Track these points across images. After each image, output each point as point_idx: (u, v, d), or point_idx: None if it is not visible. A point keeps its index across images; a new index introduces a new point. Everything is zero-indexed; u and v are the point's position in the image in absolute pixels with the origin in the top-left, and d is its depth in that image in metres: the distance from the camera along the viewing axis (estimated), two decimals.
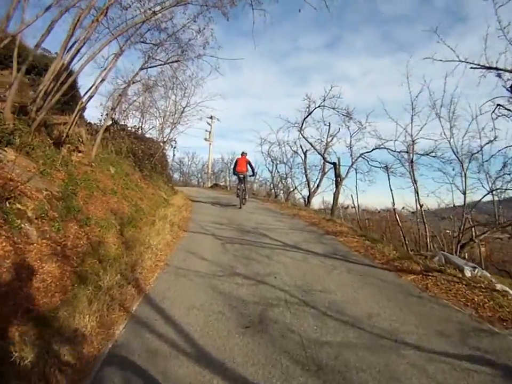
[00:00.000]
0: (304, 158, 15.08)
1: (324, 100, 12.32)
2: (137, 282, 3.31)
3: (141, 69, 7.41)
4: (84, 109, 7.06)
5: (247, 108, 61.02)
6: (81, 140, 6.04)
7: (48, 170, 4.25)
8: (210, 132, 28.38)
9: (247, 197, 9.69)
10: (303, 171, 15.61)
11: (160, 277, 3.57)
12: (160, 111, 15.82)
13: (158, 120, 15.91)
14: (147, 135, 14.19)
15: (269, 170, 20.46)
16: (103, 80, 6.41)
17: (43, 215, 3.24)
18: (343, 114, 12.22)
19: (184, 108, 17.21)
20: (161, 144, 15.68)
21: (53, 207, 3.59)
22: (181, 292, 3.15)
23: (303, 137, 13.36)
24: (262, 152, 19.91)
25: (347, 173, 12.57)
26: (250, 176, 9.65)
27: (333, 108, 12.24)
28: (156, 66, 7.55)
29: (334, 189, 12.36)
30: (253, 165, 9.42)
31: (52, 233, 3.21)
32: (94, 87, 6.36)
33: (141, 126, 12.20)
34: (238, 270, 3.79)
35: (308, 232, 6.25)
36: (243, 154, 9.48)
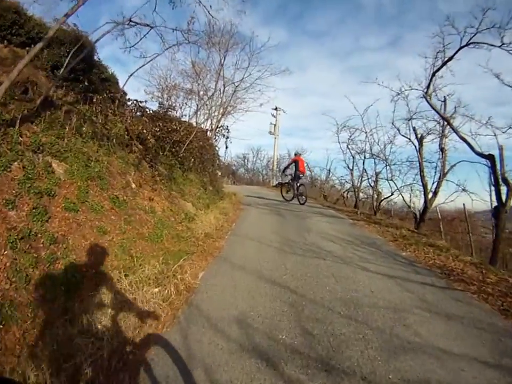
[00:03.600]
0: (419, 148, 9.30)
1: (477, 33, 6.40)
2: None
3: None
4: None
5: (313, 106, 59.27)
6: None
7: None
8: (275, 125, 25.11)
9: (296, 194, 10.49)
10: (416, 168, 9.84)
11: None
12: (209, 93, 12.52)
13: (207, 104, 12.59)
14: (201, 126, 11.02)
15: (348, 167, 14.86)
16: None
17: None
18: None
19: (236, 86, 13.53)
20: (209, 132, 12.21)
21: None
22: None
23: (430, 105, 7.56)
24: (339, 143, 14.61)
25: None
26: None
27: (500, 45, 6.19)
28: None
29: (494, 208, 6.42)
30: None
31: None
32: None
33: (172, 105, 8.68)
34: None
35: None
36: (299, 154, 10.04)
